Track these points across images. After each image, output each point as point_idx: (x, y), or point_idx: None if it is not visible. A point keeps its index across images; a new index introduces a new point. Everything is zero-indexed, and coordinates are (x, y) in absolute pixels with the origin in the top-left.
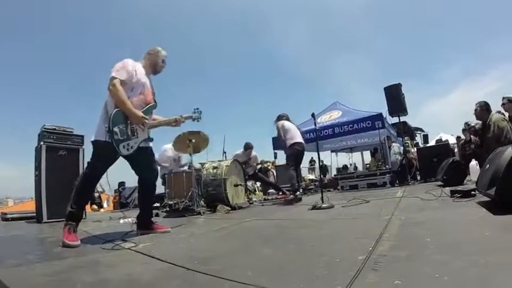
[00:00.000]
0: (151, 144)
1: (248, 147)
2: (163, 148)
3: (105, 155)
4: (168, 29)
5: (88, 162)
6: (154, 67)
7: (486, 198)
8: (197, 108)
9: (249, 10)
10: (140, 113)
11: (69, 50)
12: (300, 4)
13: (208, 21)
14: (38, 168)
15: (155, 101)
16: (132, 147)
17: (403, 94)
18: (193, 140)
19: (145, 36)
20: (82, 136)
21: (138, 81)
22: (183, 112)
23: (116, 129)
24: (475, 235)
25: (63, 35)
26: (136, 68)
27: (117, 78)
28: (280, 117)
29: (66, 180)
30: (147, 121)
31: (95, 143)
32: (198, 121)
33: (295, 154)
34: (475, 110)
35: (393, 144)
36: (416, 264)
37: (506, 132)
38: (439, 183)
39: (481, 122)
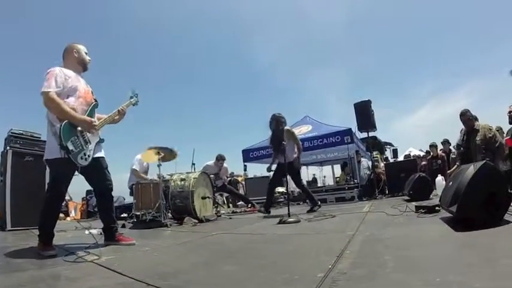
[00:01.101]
0: (103, 153)
1: (221, 158)
2: (138, 158)
3: (64, 171)
4: (153, 33)
5: (49, 183)
6: (83, 64)
7: (449, 214)
8: (133, 92)
9: (229, 16)
10: (88, 118)
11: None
12: (280, 13)
13: (181, 29)
14: (3, 174)
15: (95, 100)
16: (89, 156)
17: (372, 111)
18: (162, 154)
19: (126, 37)
20: None
21: (72, 85)
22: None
23: (69, 144)
24: (435, 253)
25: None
26: (65, 73)
27: (50, 91)
28: (281, 120)
29: (32, 187)
30: (96, 123)
31: (50, 162)
32: (137, 105)
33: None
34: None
35: (362, 159)
36: (374, 283)
37: (496, 137)
38: (406, 197)
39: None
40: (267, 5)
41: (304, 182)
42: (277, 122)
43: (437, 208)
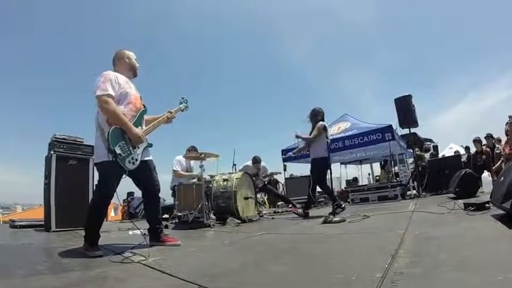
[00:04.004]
0: (151, 156)
1: (256, 161)
2: (178, 159)
3: (112, 174)
4: (171, 32)
5: (97, 186)
6: (133, 70)
7: (500, 211)
8: (183, 98)
9: (259, 17)
10: (138, 131)
11: (80, 51)
12: (310, 14)
13: (215, 26)
14: (47, 177)
15: (144, 105)
16: (136, 160)
17: (413, 106)
18: (203, 155)
19: (144, 37)
20: (92, 146)
21: (123, 91)
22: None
23: (117, 148)
24: (492, 250)
25: (74, 34)
26: (118, 78)
27: (106, 94)
28: (319, 114)
29: (75, 189)
30: (144, 137)
31: (99, 164)
32: (187, 111)
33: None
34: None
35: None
36: (433, 282)
37: None
38: (451, 195)
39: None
40: (296, 5)
41: (329, 184)
42: (312, 116)
43: (487, 205)
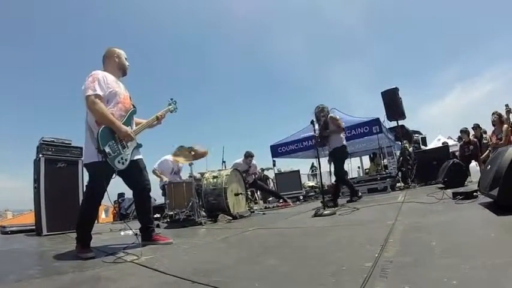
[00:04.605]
0: (141, 155)
1: (249, 155)
2: (163, 159)
3: (102, 175)
4: (165, 34)
5: (87, 186)
6: (123, 69)
7: (488, 199)
8: (171, 99)
9: (248, 21)
10: (127, 129)
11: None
12: (297, 15)
13: (206, 31)
14: (36, 180)
15: (133, 105)
16: (126, 160)
17: (400, 98)
18: (193, 153)
19: (133, 38)
20: (81, 148)
21: (112, 90)
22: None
23: (107, 148)
24: (480, 237)
25: (60, 36)
26: (107, 78)
27: (94, 94)
28: (324, 109)
29: (65, 192)
30: (134, 135)
31: (89, 165)
32: (175, 112)
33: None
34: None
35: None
36: (423, 270)
37: None
38: (440, 185)
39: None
40: (281, 4)
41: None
42: (319, 111)
43: (475, 194)
